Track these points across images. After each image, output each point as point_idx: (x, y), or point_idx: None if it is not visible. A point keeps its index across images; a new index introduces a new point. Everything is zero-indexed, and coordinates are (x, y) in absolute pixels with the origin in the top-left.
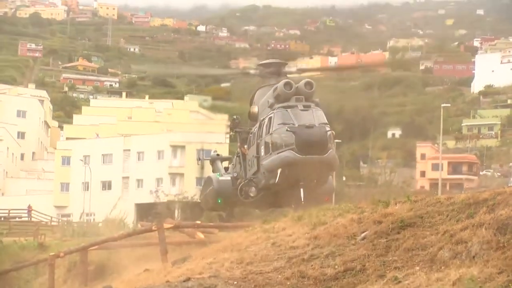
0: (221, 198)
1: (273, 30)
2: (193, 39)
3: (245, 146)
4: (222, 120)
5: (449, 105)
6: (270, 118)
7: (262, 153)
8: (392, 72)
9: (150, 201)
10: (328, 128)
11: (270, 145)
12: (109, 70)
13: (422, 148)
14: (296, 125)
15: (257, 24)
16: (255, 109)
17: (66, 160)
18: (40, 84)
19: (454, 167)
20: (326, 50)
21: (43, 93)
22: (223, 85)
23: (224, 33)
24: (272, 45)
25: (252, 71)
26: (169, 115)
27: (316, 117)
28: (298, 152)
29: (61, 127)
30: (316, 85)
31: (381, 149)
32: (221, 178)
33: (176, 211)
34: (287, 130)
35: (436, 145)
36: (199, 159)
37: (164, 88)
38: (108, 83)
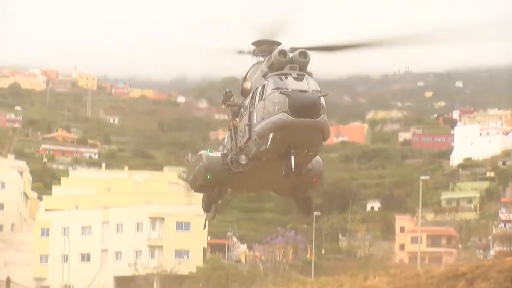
0: (210, 174)
1: None
2: (172, 110)
3: (237, 120)
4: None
5: (428, 177)
6: (263, 85)
7: (254, 120)
8: (371, 144)
9: (129, 273)
10: (321, 94)
11: (263, 110)
12: (89, 141)
13: (401, 220)
14: (290, 90)
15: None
16: (248, 84)
17: (45, 232)
18: (19, 155)
19: (433, 240)
20: None
21: (22, 164)
22: None
23: (203, 104)
24: None
25: (246, 50)
26: (148, 187)
27: (310, 84)
28: (291, 114)
29: (40, 198)
30: None
31: (360, 222)
32: (211, 154)
33: (155, 284)
34: (280, 93)
35: (415, 217)
36: (187, 160)
37: (143, 159)
38: (88, 154)
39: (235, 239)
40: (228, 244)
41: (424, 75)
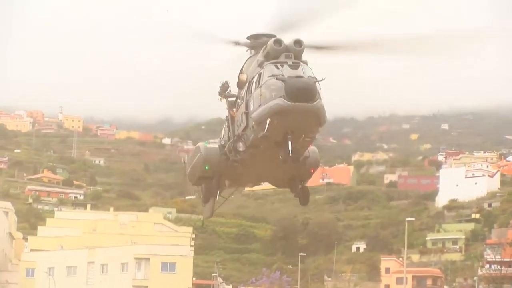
0: (208, 165)
1: None
2: (158, 151)
3: (234, 110)
4: (186, 233)
5: (414, 219)
6: (260, 74)
7: (251, 108)
8: (357, 186)
9: None
10: (316, 80)
11: (259, 97)
12: (74, 182)
13: (387, 261)
14: (286, 76)
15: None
16: (244, 76)
17: (30, 272)
18: (5, 196)
19: (419, 281)
20: None
21: (8, 204)
22: (187, 197)
23: (189, 145)
24: None
25: (242, 42)
26: (133, 227)
27: (305, 71)
28: (287, 99)
29: (25, 239)
30: (281, 198)
31: (346, 263)
32: (208, 145)
33: None
34: (276, 79)
35: (400, 259)
36: (184, 162)
37: (129, 200)
38: (73, 195)
39: (220, 279)
40: (213, 285)
41: (410, 118)
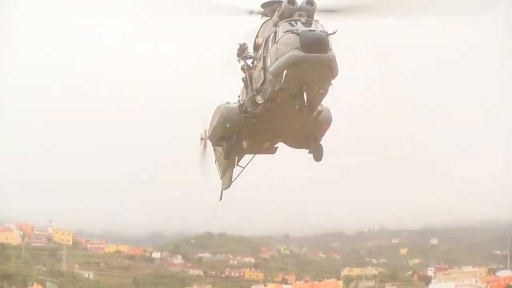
0: (228, 123)
1: (228, 258)
2: (147, 265)
3: (251, 71)
4: None
5: None
6: (275, 31)
7: (269, 63)
8: None
9: None
10: (328, 33)
11: (276, 51)
12: None
13: None
14: (300, 31)
15: (212, 251)
16: (260, 40)
17: None
18: None
19: None
20: (281, 278)
21: None
22: None
23: (178, 260)
24: (227, 273)
25: (256, 10)
26: None
27: (317, 27)
28: (302, 50)
29: None
30: None
31: None
32: (228, 105)
33: None
34: (291, 33)
35: None
36: (202, 139)
37: None
38: None
39: None
40: None
41: (399, 232)
